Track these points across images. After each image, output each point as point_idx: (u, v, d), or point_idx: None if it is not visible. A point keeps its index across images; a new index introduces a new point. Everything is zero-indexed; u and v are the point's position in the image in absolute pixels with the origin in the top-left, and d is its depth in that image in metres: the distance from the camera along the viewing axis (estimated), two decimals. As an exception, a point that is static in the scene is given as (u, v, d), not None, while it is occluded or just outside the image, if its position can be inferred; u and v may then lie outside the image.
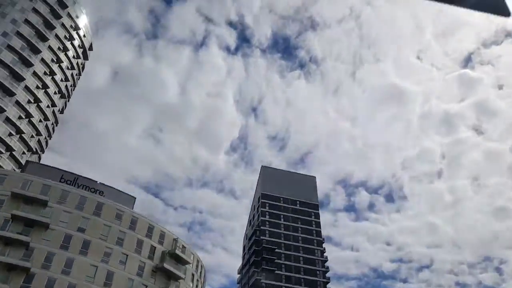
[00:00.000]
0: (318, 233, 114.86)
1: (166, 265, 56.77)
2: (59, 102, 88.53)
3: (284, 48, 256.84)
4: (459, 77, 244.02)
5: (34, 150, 77.46)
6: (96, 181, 53.80)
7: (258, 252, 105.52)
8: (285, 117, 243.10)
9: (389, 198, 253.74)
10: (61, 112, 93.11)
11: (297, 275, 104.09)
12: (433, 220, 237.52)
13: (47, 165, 53.68)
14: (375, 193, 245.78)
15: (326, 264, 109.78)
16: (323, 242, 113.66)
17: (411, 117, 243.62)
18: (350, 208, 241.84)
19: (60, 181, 49.46)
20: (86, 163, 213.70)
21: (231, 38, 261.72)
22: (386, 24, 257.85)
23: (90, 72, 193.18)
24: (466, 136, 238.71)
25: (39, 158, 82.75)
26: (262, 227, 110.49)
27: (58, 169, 51.50)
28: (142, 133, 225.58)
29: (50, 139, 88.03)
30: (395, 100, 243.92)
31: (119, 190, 56.51)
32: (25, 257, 42.21)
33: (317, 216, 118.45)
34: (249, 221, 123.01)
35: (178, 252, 60.14)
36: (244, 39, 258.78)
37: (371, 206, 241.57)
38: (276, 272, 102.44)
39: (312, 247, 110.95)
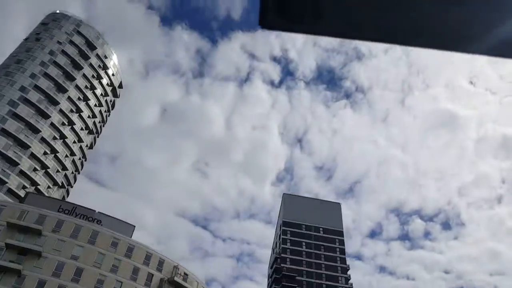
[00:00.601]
0: (343, 260, 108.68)
1: (163, 293, 55.95)
2: (87, 138, 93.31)
3: (329, 79, 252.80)
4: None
5: (60, 184, 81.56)
6: (95, 211, 55.01)
7: (278, 280, 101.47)
8: (331, 146, 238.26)
9: (446, 226, 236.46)
10: (90, 147, 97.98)
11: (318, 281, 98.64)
12: (495, 246, 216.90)
13: (47, 196, 56.07)
14: (430, 220, 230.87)
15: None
16: (348, 270, 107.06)
17: (466, 142, 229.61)
18: (404, 237, 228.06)
19: (58, 211, 51.18)
20: (137, 198, 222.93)
21: (275, 72, 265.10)
22: (434, 51, 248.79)
23: (140, 110, 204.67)
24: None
25: (67, 192, 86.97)
26: (283, 255, 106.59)
27: (57, 199, 53.54)
28: (190, 167, 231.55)
29: (78, 173, 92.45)
30: (448, 126, 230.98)
31: (117, 219, 57.25)
32: (17, 285, 43.49)
33: (342, 243, 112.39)
34: (272, 250, 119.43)
35: (177, 279, 59.20)
36: (288, 73, 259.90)
37: (426, 234, 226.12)
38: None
39: (336, 274, 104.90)
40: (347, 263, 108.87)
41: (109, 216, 56.52)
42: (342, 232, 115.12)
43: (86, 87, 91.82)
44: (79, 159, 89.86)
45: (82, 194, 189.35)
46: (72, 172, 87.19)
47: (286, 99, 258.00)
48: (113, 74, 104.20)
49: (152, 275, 56.75)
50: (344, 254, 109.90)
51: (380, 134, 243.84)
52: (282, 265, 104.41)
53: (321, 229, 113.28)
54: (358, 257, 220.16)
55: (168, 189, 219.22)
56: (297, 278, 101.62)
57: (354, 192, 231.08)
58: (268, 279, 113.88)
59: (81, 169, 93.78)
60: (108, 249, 52.45)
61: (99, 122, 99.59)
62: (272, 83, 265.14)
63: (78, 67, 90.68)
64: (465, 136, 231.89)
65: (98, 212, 55.34)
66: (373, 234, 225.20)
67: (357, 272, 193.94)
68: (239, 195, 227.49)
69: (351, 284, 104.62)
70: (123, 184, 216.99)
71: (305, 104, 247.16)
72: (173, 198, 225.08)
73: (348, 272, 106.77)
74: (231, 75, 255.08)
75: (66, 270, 47.64)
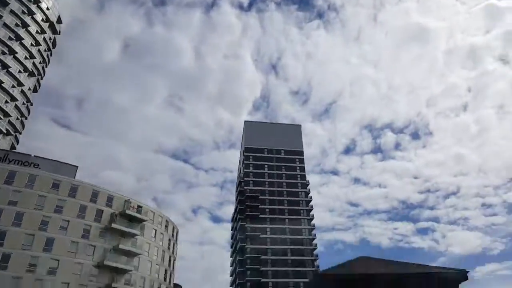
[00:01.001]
0: (303, 177, 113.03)
1: (115, 225, 57.02)
2: (28, 81, 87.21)
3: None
4: (485, 9, 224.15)
5: (5, 131, 77.79)
6: (30, 155, 53.16)
7: (242, 201, 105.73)
8: (306, 70, 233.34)
9: (415, 136, 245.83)
10: (34, 91, 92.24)
11: (281, 216, 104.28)
12: (460, 151, 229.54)
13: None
14: (401, 132, 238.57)
15: (311, 204, 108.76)
16: (308, 185, 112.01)
17: (436, 54, 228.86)
18: (377, 150, 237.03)
19: (-12, 159, 49.19)
20: (112, 139, 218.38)
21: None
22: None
23: (101, 48, 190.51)
24: (492, 67, 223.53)
25: (16, 139, 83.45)
26: (246, 178, 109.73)
27: (-16, 148, 51.18)
28: (163, 103, 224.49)
29: (26, 119, 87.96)
30: (419, 39, 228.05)
31: (57, 161, 55.82)
32: (-47, 234, 43.02)
33: (302, 161, 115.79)
34: (238, 175, 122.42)
35: (130, 212, 60.12)
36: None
37: (397, 146, 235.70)
38: (260, 216, 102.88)
39: (296, 190, 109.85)
40: (307, 178, 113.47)
41: (47, 159, 54.88)
42: (302, 151, 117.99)
43: (16, 25, 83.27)
44: (23, 104, 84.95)
45: (51, 140, 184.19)
46: (18, 118, 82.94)
47: (257, 23, 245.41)
48: (47, 8, 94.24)
49: (102, 211, 57.19)
50: (304, 171, 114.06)
51: (353, 53, 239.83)
52: (245, 187, 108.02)
53: (282, 151, 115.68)
54: (335, 173, 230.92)
55: (143, 127, 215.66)
56: (260, 197, 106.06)
57: (330, 113, 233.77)
58: (236, 202, 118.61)
59: (29, 114, 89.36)
60: (49, 191, 51.75)
61: (40, 63, 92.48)
62: (241, 7, 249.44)
63: (3, 3, 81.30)
64: (435, 48, 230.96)
65: (35, 156, 53.52)
66: (348, 150, 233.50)
67: (333, 186, 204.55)
68: (217, 127, 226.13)
69: (311, 197, 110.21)
70: (95, 127, 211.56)
71: (277, 27, 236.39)
72: (150, 135, 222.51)
73: (308, 187, 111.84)
74: (196, 0, 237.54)
75: (5, 216, 47.12)
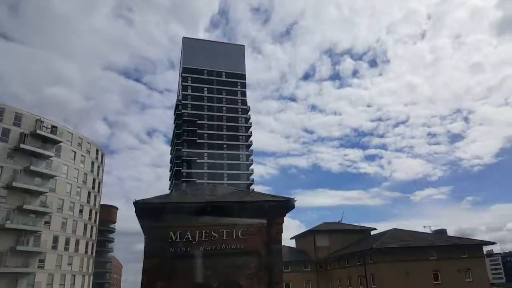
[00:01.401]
0: (244, 102, 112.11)
1: (24, 146, 53.55)
2: None
3: None
4: None
5: None
6: None
7: (179, 125, 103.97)
8: None
9: (373, 63, 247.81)
10: None
11: (219, 142, 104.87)
12: (413, 80, 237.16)
13: None
14: (360, 59, 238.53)
15: (250, 130, 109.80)
16: (248, 110, 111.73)
17: None
18: (335, 77, 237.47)
19: None
20: (54, 52, 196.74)
21: None
22: None
23: None
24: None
25: None
26: (184, 101, 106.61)
27: None
28: (110, 13, 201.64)
29: None
30: None
31: None
32: None
33: (243, 85, 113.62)
34: (177, 98, 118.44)
35: (42, 132, 56.36)
36: None
37: (355, 73, 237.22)
38: (198, 141, 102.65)
39: (236, 115, 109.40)
40: (248, 104, 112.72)
41: None
42: (244, 75, 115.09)
43: None
44: None
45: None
46: None
47: None
48: None
49: (9, 130, 53.00)
50: (245, 96, 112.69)
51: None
52: (183, 111, 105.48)
53: (223, 73, 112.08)
54: (293, 99, 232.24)
55: (89, 40, 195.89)
56: (198, 122, 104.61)
57: (291, 35, 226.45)
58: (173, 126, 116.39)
59: None
60: None
61: None
62: None
63: None
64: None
65: None
66: (307, 76, 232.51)
67: (290, 112, 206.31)
68: (172, 44, 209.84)
69: (251, 123, 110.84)
70: (34, 37, 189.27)
71: None
72: (97, 49, 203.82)
73: (248, 113, 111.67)
74: None
75: None
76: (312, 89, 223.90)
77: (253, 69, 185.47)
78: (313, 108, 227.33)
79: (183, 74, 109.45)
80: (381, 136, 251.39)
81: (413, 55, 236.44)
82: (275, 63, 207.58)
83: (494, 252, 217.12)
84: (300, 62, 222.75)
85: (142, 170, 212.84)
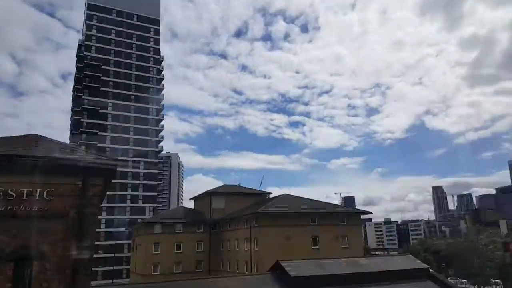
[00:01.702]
0: (156, 51, 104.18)
1: None
2: None
3: None
4: None
5: None
6: None
7: (81, 69, 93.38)
8: None
9: (304, 29, 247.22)
10: None
11: (127, 92, 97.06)
12: (340, 51, 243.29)
13: None
14: (292, 22, 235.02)
15: (163, 83, 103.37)
16: (162, 61, 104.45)
17: None
18: (267, 38, 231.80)
19: None
20: None
21: None
22: None
23: None
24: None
25: None
26: (87, 42, 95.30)
27: None
28: None
29: None
30: None
31: None
32: None
33: (157, 32, 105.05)
34: (80, 38, 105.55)
35: None
36: None
37: (286, 36, 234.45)
38: (102, 89, 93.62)
39: (148, 64, 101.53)
40: (161, 54, 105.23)
41: None
42: (159, 21, 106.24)
43: None
44: None
45: None
46: None
47: None
48: None
49: None
50: (158, 45, 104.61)
51: None
52: (86, 53, 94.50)
53: (134, 16, 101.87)
54: (224, 56, 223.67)
55: None
56: (103, 67, 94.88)
57: None
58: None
59: None
60: None
61: None
62: None
63: None
64: None
65: None
66: (239, 33, 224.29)
67: (220, 70, 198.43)
68: None
69: (163, 75, 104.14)
70: None
71: None
72: None
73: (162, 64, 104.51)
74: None
75: None
76: (243, 48, 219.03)
77: (182, 17, 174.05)
78: (244, 68, 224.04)
79: (87, 12, 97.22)
80: (306, 104, 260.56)
81: (342, 25, 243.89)
82: (207, 15, 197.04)
83: (392, 220, 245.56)
84: (233, 18, 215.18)
85: (54, 116, 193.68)
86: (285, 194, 46.58)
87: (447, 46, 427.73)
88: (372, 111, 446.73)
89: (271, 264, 20.43)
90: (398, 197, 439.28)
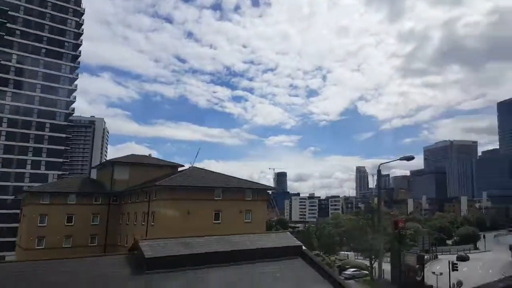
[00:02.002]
0: (78, 2, 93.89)
1: None
2: None
3: None
4: None
5: None
6: None
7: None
8: None
9: (255, 2, 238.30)
10: None
11: (37, 44, 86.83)
12: (288, 30, 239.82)
13: None
14: None
15: (81, 39, 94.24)
16: (83, 14, 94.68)
17: None
18: (217, 7, 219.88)
19: None
20: None
21: None
22: None
23: None
24: None
25: None
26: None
27: None
28: None
29: None
30: None
31: None
32: None
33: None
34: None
35: None
36: None
37: (237, 8, 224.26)
38: (6, 37, 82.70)
39: (66, 16, 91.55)
40: (83, 6, 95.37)
41: None
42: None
43: None
44: None
45: None
46: None
47: None
48: None
49: None
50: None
51: None
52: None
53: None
54: (169, 20, 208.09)
55: None
56: (11, 13, 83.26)
57: None
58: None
59: None
60: None
61: None
62: None
63: None
64: None
65: None
66: None
67: (164, 35, 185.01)
68: None
69: (83, 30, 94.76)
70: None
71: None
72: None
73: (82, 17, 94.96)
74: None
75: None
76: (191, 14, 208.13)
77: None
78: (190, 35, 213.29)
79: None
80: (250, 80, 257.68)
81: (292, 4, 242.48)
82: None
83: (318, 195, 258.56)
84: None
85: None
86: (194, 167, 45.14)
87: (387, 37, 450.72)
88: (311, 93, 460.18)
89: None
90: (326, 174, 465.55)
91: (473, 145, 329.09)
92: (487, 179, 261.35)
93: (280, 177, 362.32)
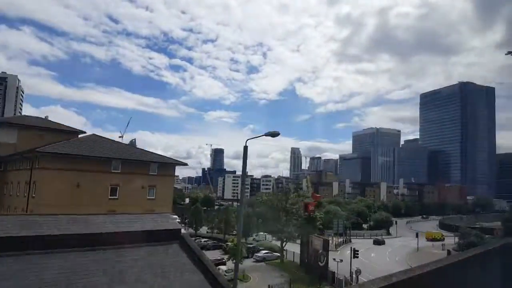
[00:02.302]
0: None
1: None
2: None
3: None
4: None
5: None
6: None
7: None
8: None
9: None
10: None
11: None
12: (229, 0, 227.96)
13: None
14: None
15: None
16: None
17: None
18: None
19: None
20: None
21: None
22: None
23: None
24: None
25: None
26: None
27: None
28: None
29: None
30: None
31: None
32: None
33: None
34: None
35: None
36: None
37: None
38: None
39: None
40: None
41: None
42: None
43: None
44: None
45: None
46: None
47: None
48: None
49: None
50: None
51: None
52: None
53: None
54: None
55: None
56: None
57: None
58: None
59: None
60: None
61: None
62: None
63: None
64: None
65: None
66: None
67: None
68: None
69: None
70: None
71: None
72: None
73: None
74: None
75: None
76: None
77: None
78: None
79: None
80: (189, 49, 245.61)
81: None
82: None
83: (255, 174, 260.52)
84: None
85: None
86: (94, 134, 40.34)
87: (325, 20, 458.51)
88: (252, 69, 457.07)
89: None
90: (263, 154, 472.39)
91: (397, 133, 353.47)
92: (406, 167, 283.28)
93: (217, 154, 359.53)
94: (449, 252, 62.83)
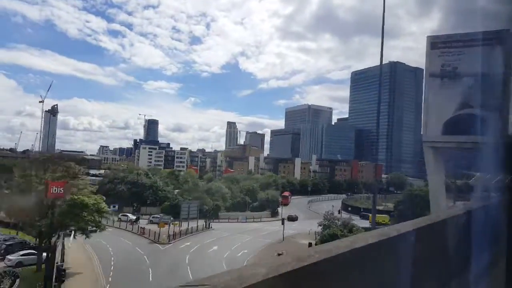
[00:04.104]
0: None
1: None
2: None
3: None
4: None
5: None
6: None
7: None
8: None
9: None
10: None
11: None
12: None
13: None
14: None
15: None
16: None
17: None
18: None
19: None
20: None
21: None
22: None
23: None
24: None
25: None
26: None
27: None
28: None
29: None
30: None
31: None
32: None
33: None
34: None
35: None
36: None
37: None
38: None
39: None
40: None
41: None
42: None
43: None
44: None
45: None
46: None
47: None
48: None
49: None
50: None
51: None
52: None
53: None
54: None
55: None
56: None
57: None
58: None
59: None
60: None
61: None
62: None
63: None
64: None
65: None
66: None
67: None
68: None
69: None
70: None
71: None
72: None
73: None
74: None
75: None
76: None
77: None
78: None
79: None
80: (129, 14, 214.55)
81: None
82: None
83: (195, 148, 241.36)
84: None
85: None
86: None
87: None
88: (195, 40, 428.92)
89: None
90: (205, 127, 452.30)
91: (329, 111, 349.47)
92: (334, 144, 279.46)
93: (151, 125, 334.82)
94: (310, 245, 50.40)
